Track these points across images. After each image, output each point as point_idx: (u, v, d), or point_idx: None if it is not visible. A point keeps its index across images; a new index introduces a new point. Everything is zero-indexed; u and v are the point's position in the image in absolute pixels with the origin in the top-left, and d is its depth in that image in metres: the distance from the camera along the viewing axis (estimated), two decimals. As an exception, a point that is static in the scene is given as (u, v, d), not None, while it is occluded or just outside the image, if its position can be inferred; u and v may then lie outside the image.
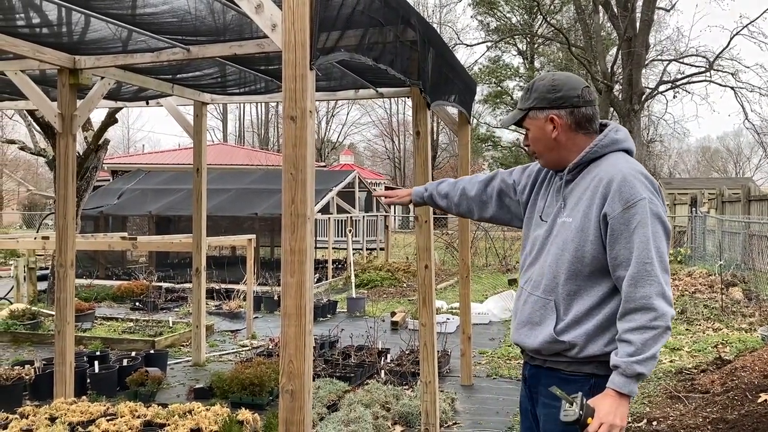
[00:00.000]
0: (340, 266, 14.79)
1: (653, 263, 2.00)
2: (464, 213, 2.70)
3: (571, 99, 2.20)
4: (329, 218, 15.30)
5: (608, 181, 2.09)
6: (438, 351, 4.78)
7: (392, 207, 36.07)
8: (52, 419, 4.16)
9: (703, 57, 24.11)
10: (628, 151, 2.22)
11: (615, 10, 22.26)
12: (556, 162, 2.27)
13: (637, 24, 21.96)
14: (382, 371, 6.02)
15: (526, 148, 2.36)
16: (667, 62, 25.84)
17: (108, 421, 4.12)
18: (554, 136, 2.22)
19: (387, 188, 36.35)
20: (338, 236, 17.15)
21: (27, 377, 5.35)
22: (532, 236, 2.33)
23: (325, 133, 52.25)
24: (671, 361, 6.80)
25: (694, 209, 17.95)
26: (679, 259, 15.41)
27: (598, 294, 2.11)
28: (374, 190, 22.49)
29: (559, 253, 2.16)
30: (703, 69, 23.93)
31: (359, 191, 21.01)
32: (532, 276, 2.25)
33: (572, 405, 1.98)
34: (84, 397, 4.77)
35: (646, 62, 24.44)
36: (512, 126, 2.38)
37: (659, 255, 2.02)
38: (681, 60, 25.13)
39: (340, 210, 18.23)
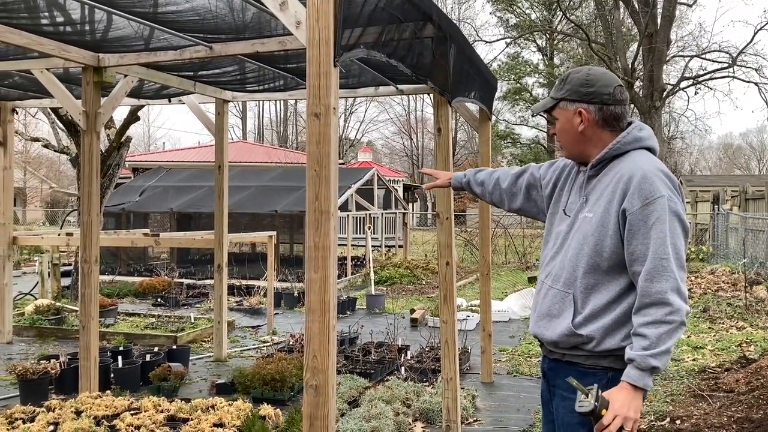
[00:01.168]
0: (359, 263, 14.81)
1: (669, 259, 2.03)
2: (496, 202, 2.78)
3: (602, 96, 2.22)
4: (348, 215, 15.33)
5: (629, 177, 2.11)
6: (458, 348, 4.77)
7: (411, 204, 36.06)
8: (78, 413, 4.22)
9: (726, 53, 23.80)
10: (651, 150, 2.25)
11: (636, 5, 22.04)
12: (579, 155, 2.32)
13: (659, 20, 21.72)
14: (403, 368, 6.02)
15: (553, 134, 2.40)
16: (689, 58, 25.54)
17: (132, 415, 4.16)
18: (580, 129, 2.25)
19: (406, 186, 36.31)
20: (357, 233, 17.17)
21: (53, 371, 5.43)
22: (555, 231, 2.36)
23: (343, 130, 52.35)
24: (694, 360, 6.73)
25: (716, 207, 17.73)
26: (701, 257, 15.25)
27: (615, 289, 2.14)
28: (394, 189, 22.47)
29: (579, 247, 2.19)
30: (726, 65, 23.62)
31: (378, 188, 21.02)
32: (553, 270, 2.29)
33: (587, 396, 2.01)
34: (108, 392, 4.83)
35: (668, 58, 24.18)
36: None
37: (676, 251, 2.05)
38: (703, 56, 24.82)
39: (359, 207, 18.26)
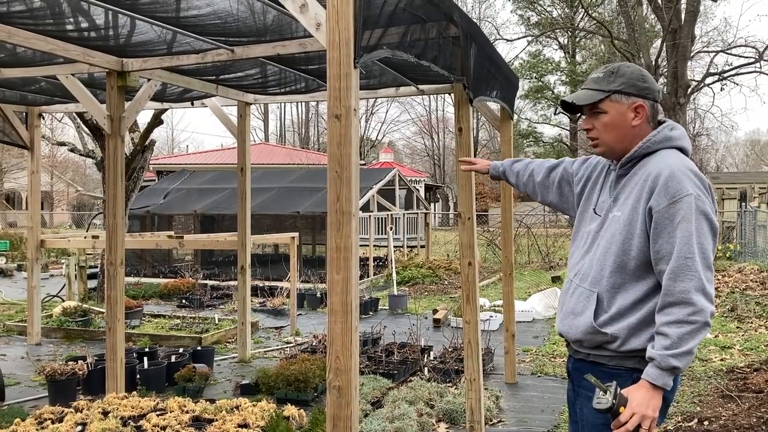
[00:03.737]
0: (381, 263, 14.82)
1: (694, 258, 2.00)
2: (530, 193, 2.80)
3: (654, 92, 2.23)
4: (370, 216, 15.34)
5: (656, 175, 2.09)
6: (481, 348, 4.75)
7: (432, 204, 36.00)
8: (105, 413, 4.27)
9: (753, 47, 23.37)
10: (682, 150, 2.22)
11: (659, 1, 21.76)
12: (622, 151, 2.25)
13: (683, 15, 21.44)
14: (426, 368, 6.01)
15: (585, 130, 2.33)
16: (714, 54, 25.12)
17: (158, 415, 4.21)
18: (634, 124, 2.22)
19: (428, 186, 36.27)
20: (379, 234, 17.17)
21: (80, 372, 5.51)
22: (585, 230, 2.35)
23: (365, 131, 52.39)
24: (722, 360, 6.63)
25: (743, 204, 17.45)
26: (728, 255, 15.01)
27: (642, 289, 2.12)
28: (415, 189, 22.48)
29: (607, 246, 2.18)
30: (752, 60, 23.19)
31: (399, 189, 20.99)
32: (582, 269, 2.28)
33: (606, 393, 2.01)
34: (134, 392, 4.88)
35: (692, 54, 23.81)
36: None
37: (702, 251, 2.02)
38: (729, 51, 24.40)
39: (381, 207, 18.25)
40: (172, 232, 11.54)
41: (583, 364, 2.26)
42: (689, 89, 22.11)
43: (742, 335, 7.75)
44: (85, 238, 9.49)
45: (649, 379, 2.00)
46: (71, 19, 4.30)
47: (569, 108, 2.33)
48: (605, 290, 2.17)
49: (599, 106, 2.24)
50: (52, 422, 4.19)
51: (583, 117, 2.32)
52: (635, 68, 2.25)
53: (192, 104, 6.91)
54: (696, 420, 4.73)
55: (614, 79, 2.22)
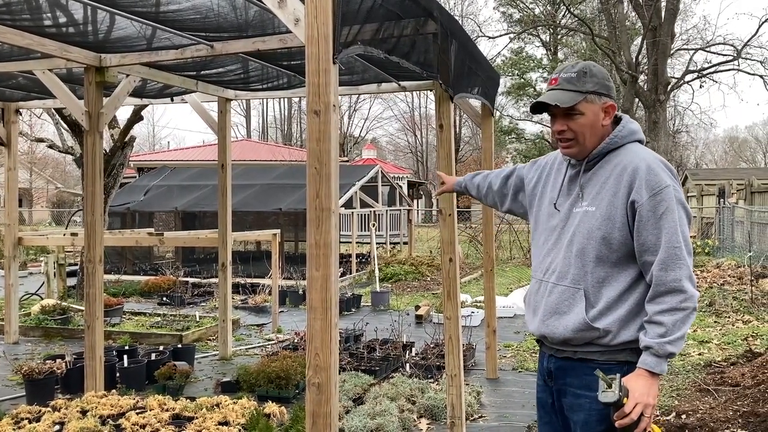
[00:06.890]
0: (363, 260, 14.81)
1: (681, 248, 2.09)
2: (491, 204, 2.89)
3: (614, 91, 2.30)
4: (352, 213, 15.32)
5: (633, 169, 2.15)
6: (463, 344, 4.76)
7: (415, 201, 36.06)
8: (84, 412, 4.23)
9: (731, 45, 23.70)
10: (641, 142, 2.31)
11: (639, -1, 21.95)
12: (590, 150, 2.25)
13: (663, 13, 21.65)
14: (407, 365, 6.02)
15: (560, 131, 2.26)
16: (693, 51, 25.45)
17: (137, 414, 4.18)
18: (605, 123, 2.26)
19: (411, 183, 36.33)
20: (361, 230, 17.15)
21: (58, 371, 5.45)
22: (546, 227, 2.36)
23: (348, 127, 52.28)
24: (700, 354, 6.71)
25: (722, 200, 17.67)
26: (706, 251, 15.20)
27: (626, 280, 2.17)
28: (398, 185, 22.50)
29: (585, 242, 2.19)
30: (730, 57, 23.50)
31: (382, 185, 20.97)
32: (556, 267, 2.26)
33: (611, 387, 2.03)
34: (114, 391, 4.85)
35: (672, 52, 24.08)
36: (536, 117, 2.45)
37: (685, 240, 2.12)
38: (708, 49, 24.72)
39: (364, 204, 18.23)
40: (152, 229, 11.45)
41: (569, 362, 2.24)
42: (669, 86, 22.34)
43: (720, 329, 7.85)
44: (64, 235, 9.39)
45: (647, 368, 2.06)
46: (49, 14, 4.25)
47: (536, 107, 2.29)
48: (590, 285, 2.18)
49: (576, 108, 2.22)
50: (30, 422, 4.15)
51: (555, 118, 2.27)
52: (600, 69, 2.27)
53: (172, 100, 6.85)
54: (674, 414, 4.79)
55: (587, 79, 2.22)
